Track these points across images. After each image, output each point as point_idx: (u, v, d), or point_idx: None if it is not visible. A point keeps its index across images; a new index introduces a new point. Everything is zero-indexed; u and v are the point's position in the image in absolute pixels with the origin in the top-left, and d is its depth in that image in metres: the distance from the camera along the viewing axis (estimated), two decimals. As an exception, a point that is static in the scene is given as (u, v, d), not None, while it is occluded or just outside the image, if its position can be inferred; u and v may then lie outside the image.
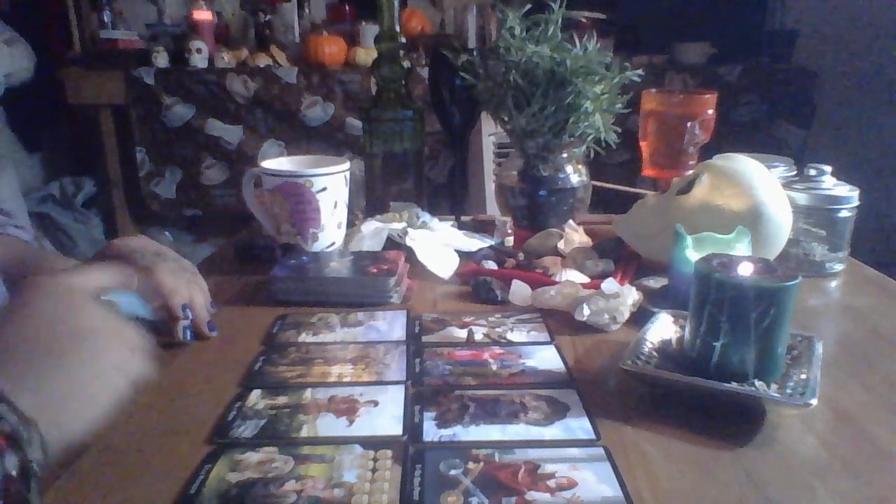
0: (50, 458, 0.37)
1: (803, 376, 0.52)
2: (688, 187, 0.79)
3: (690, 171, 0.86)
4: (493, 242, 0.90)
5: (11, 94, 2.48)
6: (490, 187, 1.93)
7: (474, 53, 0.94)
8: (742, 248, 0.68)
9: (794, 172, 0.92)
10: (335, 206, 0.84)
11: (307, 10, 2.82)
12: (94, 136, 2.61)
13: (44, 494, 0.37)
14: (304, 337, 0.66)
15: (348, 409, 0.52)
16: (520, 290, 0.75)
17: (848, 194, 0.83)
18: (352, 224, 0.92)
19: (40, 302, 0.42)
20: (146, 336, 0.45)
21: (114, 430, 0.49)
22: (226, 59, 2.54)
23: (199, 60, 2.52)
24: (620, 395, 0.55)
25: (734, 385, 0.51)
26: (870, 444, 0.48)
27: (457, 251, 0.85)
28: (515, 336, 0.66)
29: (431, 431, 0.49)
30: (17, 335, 0.40)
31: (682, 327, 0.60)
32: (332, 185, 0.83)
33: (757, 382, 0.51)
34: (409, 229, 0.86)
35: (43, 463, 0.37)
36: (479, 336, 0.66)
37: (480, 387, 0.56)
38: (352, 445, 0.47)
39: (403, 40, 0.97)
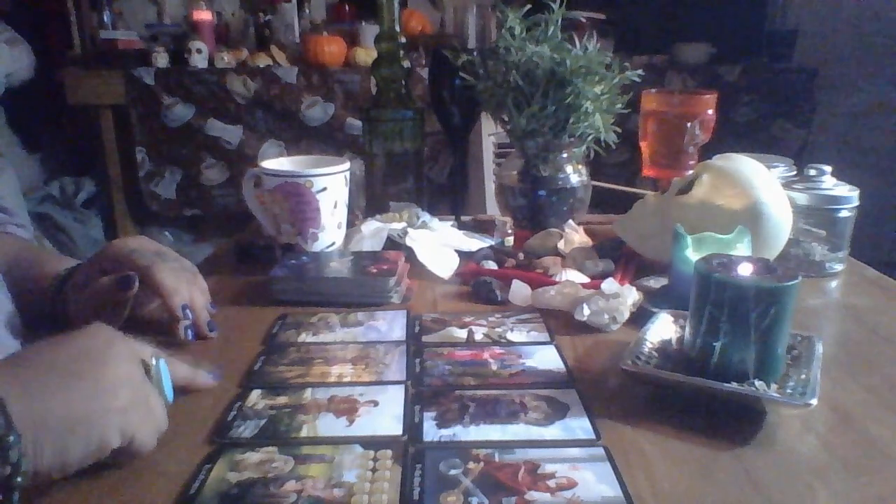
0: (23, 469, 0.37)
1: (803, 376, 0.52)
2: (688, 187, 0.79)
3: (690, 171, 0.86)
4: (493, 242, 0.90)
5: (11, 94, 2.48)
6: (490, 187, 1.92)
7: (474, 53, 0.94)
8: (742, 248, 0.68)
9: (794, 172, 0.92)
10: (335, 206, 0.84)
11: (307, 10, 2.82)
12: (94, 136, 2.61)
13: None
14: (304, 337, 0.66)
15: (348, 409, 0.52)
16: (520, 290, 0.75)
17: (848, 194, 0.83)
18: (352, 224, 0.91)
19: (85, 338, 0.44)
20: (161, 406, 0.46)
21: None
22: (226, 59, 2.54)
23: (199, 60, 2.52)
24: (620, 395, 0.55)
25: (734, 385, 0.51)
26: (870, 444, 0.48)
27: (457, 251, 0.85)
28: (515, 336, 0.66)
29: (431, 431, 0.49)
30: (47, 353, 0.42)
31: (682, 327, 0.60)
32: (332, 185, 0.83)
33: (757, 382, 0.51)
34: (409, 229, 0.86)
35: (23, 479, 0.37)
36: (479, 336, 0.66)
37: (480, 387, 0.56)
38: (352, 445, 0.47)
39: (403, 40, 0.97)
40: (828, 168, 0.86)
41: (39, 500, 0.42)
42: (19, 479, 0.36)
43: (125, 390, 0.43)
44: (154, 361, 0.47)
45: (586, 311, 0.67)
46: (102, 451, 0.41)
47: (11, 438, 0.36)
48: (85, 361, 0.42)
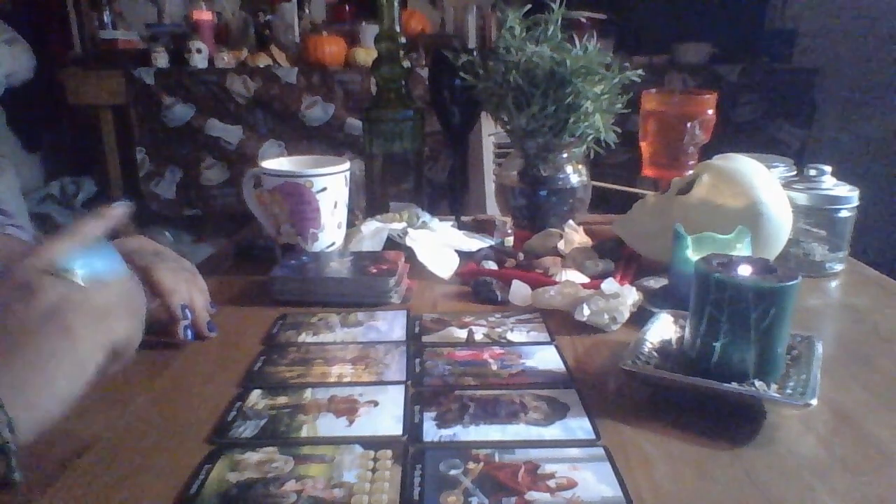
0: (19, 437, 0.38)
1: (803, 376, 0.52)
2: (688, 187, 0.79)
3: (690, 171, 0.86)
4: (493, 242, 0.90)
5: (11, 94, 2.48)
6: (490, 187, 1.93)
7: (474, 53, 0.94)
8: (742, 248, 0.68)
9: (794, 172, 0.92)
10: (335, 206, 0.84)
11: (307, 10, 2.83)
12: (94, 136, 2.61)
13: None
14: (304, 337, 0.66)
15: (348, 409, 0.52)
16: (520, 290, 0.75)
17: (848, 194, 0.83)
18: (352, 224, 0.91)
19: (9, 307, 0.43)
20: (127, 290, 0.45)
21: (114, 430, 0.49)
22: (226, 59, 2.54)
23: (199, 60, 2.52)
24: (620, 395, 0.55)
25: (734, 385, 0.51)
26: (870, 444, 0.48)
27: (457, 251, 0.85)
28: (515, 336, 0.66)
29: (431, 431, 0.49)
30: None
31: (682, 327, 0.60)
32: (332, 185, 0.83)
33: (757, 382, 0.51)
34: (409, 229, 0.86)
35: (14, 442, 0.38)
36: (479, 336, 0.66)
37: (480, 387, 0.56)
38: (352, 445, 0.47)
39: (403, 40, 0.97)
40: (828, 168, 0.86)
41: (39, 499, 0.42)
42: (12, 447, 0.38)
43: (78, 319, 0.42)
44: (66, 266, 0.43)
45: (586, 311, 0.67)
46: (93, 373, 0.42)
47: None
48: (22, 316, 0.41)
